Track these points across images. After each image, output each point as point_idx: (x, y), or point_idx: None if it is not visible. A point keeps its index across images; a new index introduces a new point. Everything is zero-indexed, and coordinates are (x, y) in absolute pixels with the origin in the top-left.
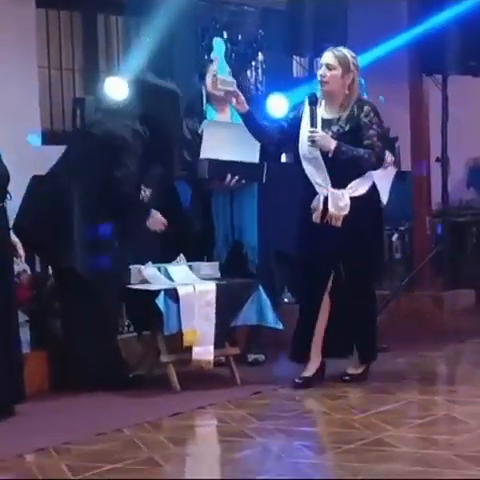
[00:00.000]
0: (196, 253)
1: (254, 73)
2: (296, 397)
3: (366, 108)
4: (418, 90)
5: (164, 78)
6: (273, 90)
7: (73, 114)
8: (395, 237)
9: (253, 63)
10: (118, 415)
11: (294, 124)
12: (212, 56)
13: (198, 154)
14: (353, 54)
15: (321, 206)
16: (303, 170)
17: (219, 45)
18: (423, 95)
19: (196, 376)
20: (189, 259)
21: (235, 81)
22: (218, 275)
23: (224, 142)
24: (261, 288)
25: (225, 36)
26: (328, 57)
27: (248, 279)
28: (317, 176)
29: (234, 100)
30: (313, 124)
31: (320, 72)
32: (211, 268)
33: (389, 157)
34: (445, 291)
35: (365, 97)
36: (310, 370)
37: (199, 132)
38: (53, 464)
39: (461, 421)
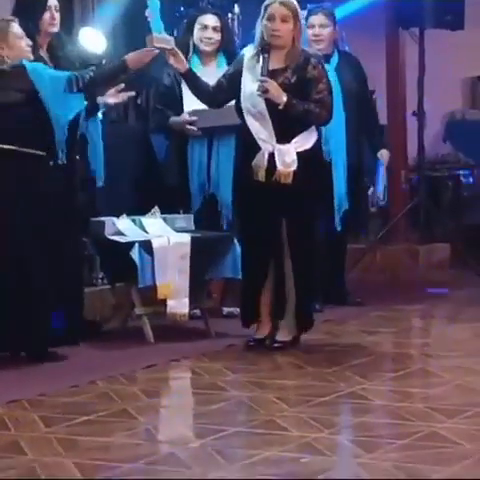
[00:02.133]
0: (172, 205)
1: (231, 25)
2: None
3: (313, 60)
4: (395, 44)
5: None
6: (250, 42)
7: None
8: (370, 191)
9: (230, 15)
10: (92, 367)
11: (234, 79)
12: (146, 13)
13: (179, 104)
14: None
15: (266, 163)
16: (245, 126)
17: (154, 2)
18: (399, 49)
19: (170, 329)
20: (165, 211)
21: (172, 39)
22: (193, 228)
23: None
24: (236, 241)
25: None
26: (280, 9)
27: (223, 232)
28: (261, 131)
29: (172, 58)
30: (262, 73)
31: (273, 26)
32: (186, 220)
33: (386, 152)
34: (420, 245)
35: (346, 49)
36: (262, 332)
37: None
38: (26, 416)
39: (435, 374)
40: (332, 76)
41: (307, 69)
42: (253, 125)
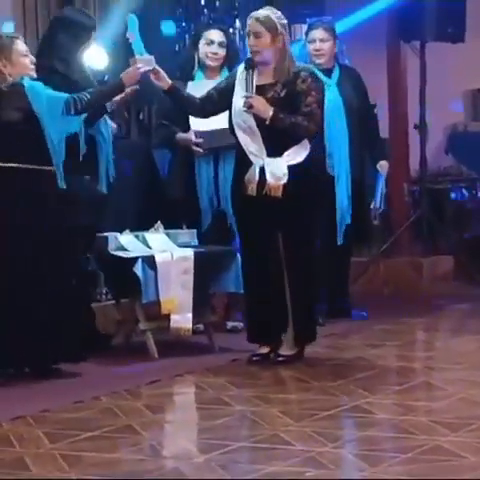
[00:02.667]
0: (175, 220)
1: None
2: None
3: (303, 74)
4: (396, 57)
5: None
6: None
7: None
8: (372, 205)
9: (231, 30)
10: (96, 383)
11: (225, 93)
12: (127, 34)
13: (185, 120)
14: (278, 14)
15: (257, 177)
16: (237, 141)
17: (132, 22)
18: (401, 61)
19: (174, 344)
20: (168, 226)
21: (152, 58)
22: (196, 243)
23: None
24: (238, 255)
25: (203, 3)
26: (253, 25)
27: (226, 247)
28: (251, 145)
29: (153, 76)
30: (248, 89)
31: (249, 42)
32: (189, 236)
33: (384, 163)
34: (424, 257)
35: (346, 62)
36: (266, 347)
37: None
38: (30, 432)
39: (439, 388)
40: (334, 90)
41: (296, 83)
42: (244, 139)
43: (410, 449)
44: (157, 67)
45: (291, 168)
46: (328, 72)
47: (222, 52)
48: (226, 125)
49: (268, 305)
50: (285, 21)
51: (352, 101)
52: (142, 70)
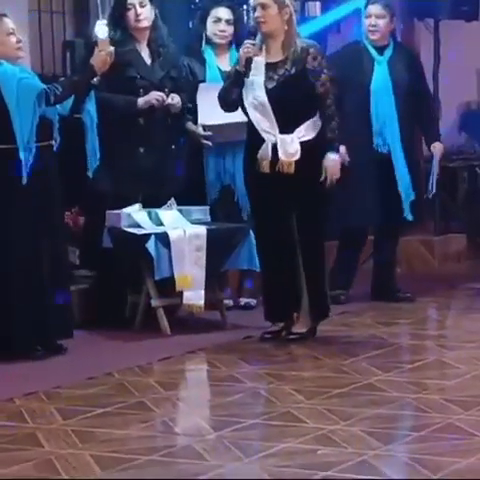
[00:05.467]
0: (187, 197)
1: (245, 17)
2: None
3: (312, 50)
4: (410, 34)
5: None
6: None
7: (63, 57)
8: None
9: (244, 7)
10: (108, 359)
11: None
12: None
13: (191, 92)
14: None
15: (270, 154)
16: (248, 119)
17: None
18: (415, 39)
19: (186, 320)
20: (180, 203)
21: (107, 39)
22: (208, 219)
23: (216, 106)
24: (251, 233)
25: None
26: None
27: (238, 224)
28: (264, 123)
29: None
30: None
31: (256, 14)
32: (201, 212)
33: (439, 144)
34: (436, 236)
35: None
36: (279, 324)
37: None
38: (43, 408)
39: (451, 366)
40: (383, 68)
41: (307, 59)
42: (255, 117)
43: (423, 427)
44: (112, 50)
45: (303, 144)
46: (381, 49)
47: (230, 30)
48: (235, 119)
49: (282, 283)
50: None
51: (403, 80)
52: (104, 53)
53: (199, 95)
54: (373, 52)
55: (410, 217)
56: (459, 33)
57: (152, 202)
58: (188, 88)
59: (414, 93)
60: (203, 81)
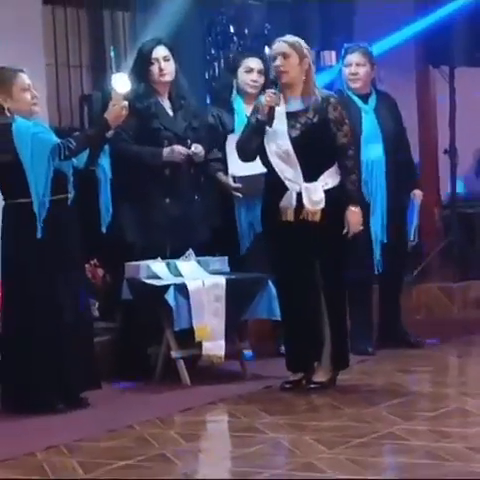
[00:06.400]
0: (218, 247)
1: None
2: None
3: (332, 100)
4: (425, 82)
5: None
6: None
7: (80, 111)
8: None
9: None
10: (129, 411)
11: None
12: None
13: (220, 142)
14: (301, 41)
15: (294, 203)
16: (270, 167)
17: (114, 55)
18: (430, 87)
19: (206, 371)
20: (210, 253)
21: (123, 93)
22: (227, 269)
23: None
24: (270, 282)
25: (232, 30)
26: (281, 46)
27: (257, 274)
28: (287, 171)
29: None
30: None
31: (276, 63)
32: (220, 263)
33: (417, 191)
34: (455, 282)
35: (383, 88)
36: (298, 374)
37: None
38: (64, 461)
39: (473, 414)
40: (371, 117)
41: (327, 109)
42: (279, 165)
43: (445, 476)
44: (126, 104)
45: (327, 192)
46: (364, 97)
47: (261, 80)
48: (264, 170)
49: (304, 332)
50: (308, 47)
51: (388, 128)
52: (117, 106)
53: (228, 146)
54: (358, 101)
55: (380, 267)
56: (474, 80)
57: (179, 252)
58: (218, 138)
59: (396, 140)
60: (232, 130)
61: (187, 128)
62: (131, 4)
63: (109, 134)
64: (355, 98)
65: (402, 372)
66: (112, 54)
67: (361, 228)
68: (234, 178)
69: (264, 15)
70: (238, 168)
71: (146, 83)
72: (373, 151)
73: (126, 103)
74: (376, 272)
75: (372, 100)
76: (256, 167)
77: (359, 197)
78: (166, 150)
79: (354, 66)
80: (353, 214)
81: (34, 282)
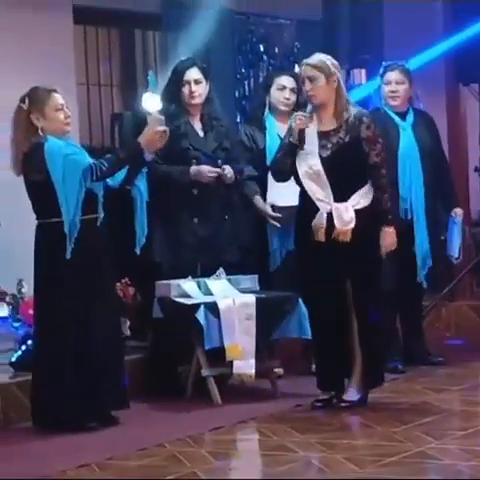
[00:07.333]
0: (248, 265)
1: None
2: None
3: (365, 119)
4: (455, 100)
5: None
6: None
7: (111, 130)
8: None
9: None
10: (159, 430)
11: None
12: (148, 91)
13: (254, 161)
14: (328, 57)
15: (325, 223)
16: (301, 187)
17: (152, 79)
18: (460, 105)
19: (237, 389)
20: (240, 270)
21: (163, 118)
22: (257, 288)
23: (289, 187)
24: (300, 301)
25: (262, 49)
26: (306, 70)
27: (287, 292)
28: (318, 192)
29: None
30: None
31: (305, 87)
32: (250, 281)
33: (458, 209)
34: None
35: (421, 106)
36: (329, 392)
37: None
38: None
39: None
40: (409, 134)
41: (360, 128)
42: (310, 186)
43: None
44: (166, 128)
45: (358, 212)
46: (402, 115)
47: (293, 98)
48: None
49: (334, 351)
50: (336, 62)
51: (426, 145)
52: (152, 131)
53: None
54: (396, 118)
55: (425, 284)
56: None
57: (210, 272)
58: (252, 156)
59: (435, 159)
60: (263, 149)
61: (217, 148)
62: (162, 23)
63: (149, 158)
64: (393, 115)
65: (432, 390)
66: (150, 77)
67: (394, 248)
68: (273, 207)
69: (293, 34)
70: (278, 198)
71: (177, 104)
72: (411, 167)
73: (162, 128)
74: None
75: (410, 117)
76: (295, 198)
77: (392, 216)
78: (193, 168)
79: (394, 84)
80: (388, 234)
81: (65, 301)
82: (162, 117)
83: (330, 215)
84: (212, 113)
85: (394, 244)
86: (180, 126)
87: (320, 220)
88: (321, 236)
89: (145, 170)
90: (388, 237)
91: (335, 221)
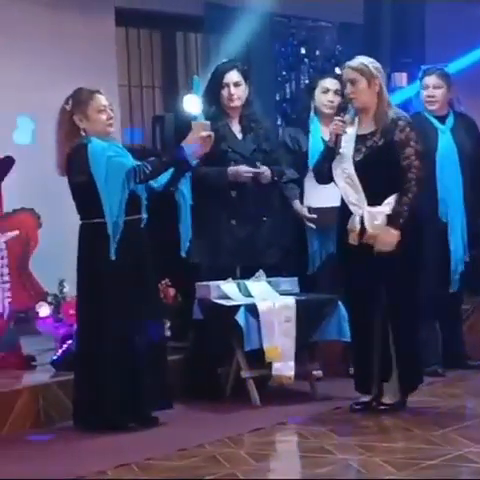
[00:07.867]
0: (288, 266)
1: None
2: None
3: (401, 123)
4: None
5: None
6: None
7: (153, 131)
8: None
9: None
10: (199, 430)
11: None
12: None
13: (297, 163)
14: (371, 60)
15: (358, 226)
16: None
17: (196, 84)
18: None
19: (276, 391)
20: (280, 272)
21: (208, 123)
22: (297, 290)
23: (325, 189)
24: (340, 303)
25: (303, 52)
26: (348, 73)
27: (327, 295)
28: (351, 195)
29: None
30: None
31: (347, 90)
32: (290, 283)
33: None
34: None
35: (462, 109)
36: (368, 395)
37: (301, 142)
38: None
39: None
40: (447, 137)
41: (394, 132)
42: (345, 189)
43: None
44: (211, 133)
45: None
46: (442, 118)
47: (337, 100)
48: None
49: (373, 354)
50: (379, 65)
51: (466, 148)
52: (196, 136)
53: (308, 177)
54: (435, 122)
55: (454, 288)
56: None
57: (249, 273)
58: (295, 159)
59: (475, 161)
60: (306, 151)
61: (256, 151)
62: (204, 26)
63: (194, 162)
64: (433, 119)
65: (472, 395)
66: (194, 81)
67: (388, 250)
68: (309, 209)
69: (335, 37)
70: (314, 199)
71: (217, 106)
72: (449, 170)
73: (206, 134)
74: (452, 291)
75: (449, 121)
76: (331, 199)
77: (408, 219)
78: (231, 168)
79: (431, 89)
80: (389, 235)
81: (108, 301)
82: (207, 122)
83: (363, 219)
84: (251, 115)
85: (391, 246)
86: (219, 129)
87: (353, 223)
88: (354, 239)
89: (189, 174)
90: (387, 237)
91: (366, 225)
